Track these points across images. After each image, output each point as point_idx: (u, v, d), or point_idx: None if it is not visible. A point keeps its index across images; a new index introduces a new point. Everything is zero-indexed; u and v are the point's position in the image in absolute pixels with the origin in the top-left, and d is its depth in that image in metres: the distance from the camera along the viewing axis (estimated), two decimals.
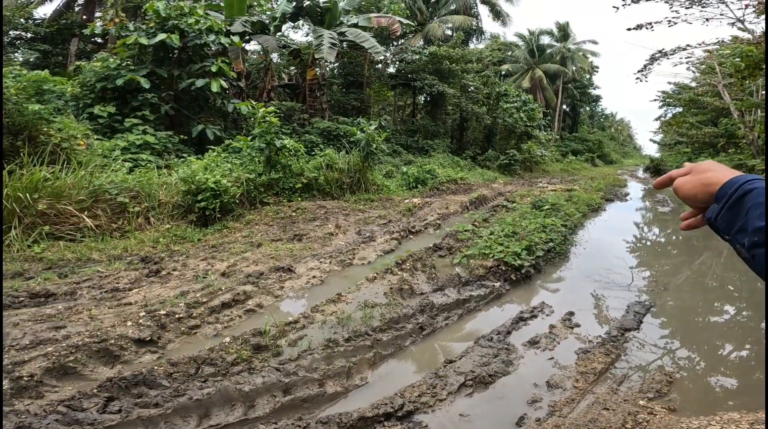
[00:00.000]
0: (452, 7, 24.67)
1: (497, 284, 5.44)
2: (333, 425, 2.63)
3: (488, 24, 79.84)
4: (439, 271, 5.75)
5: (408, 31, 21.08)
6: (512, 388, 3.30)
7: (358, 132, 11.44)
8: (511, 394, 3.22)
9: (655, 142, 37.23)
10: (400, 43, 22.49)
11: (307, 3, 15.85)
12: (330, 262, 5.83)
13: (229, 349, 3.33)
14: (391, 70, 22.52)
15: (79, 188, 6.69)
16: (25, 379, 2.90)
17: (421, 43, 22.76)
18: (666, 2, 12.36)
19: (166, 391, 2.85)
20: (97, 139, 8.87)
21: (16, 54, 19.43)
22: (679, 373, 3.72)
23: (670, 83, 23.32)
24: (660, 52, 15.52)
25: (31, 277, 4.87)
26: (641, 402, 3.16)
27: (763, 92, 15.16)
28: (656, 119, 33.40)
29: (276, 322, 3.85)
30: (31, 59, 18.32)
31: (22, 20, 19.08)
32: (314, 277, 5.31)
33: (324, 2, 16.10)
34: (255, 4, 16.87)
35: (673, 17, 12.66)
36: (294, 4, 15.89)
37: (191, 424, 2.65)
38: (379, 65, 22.11)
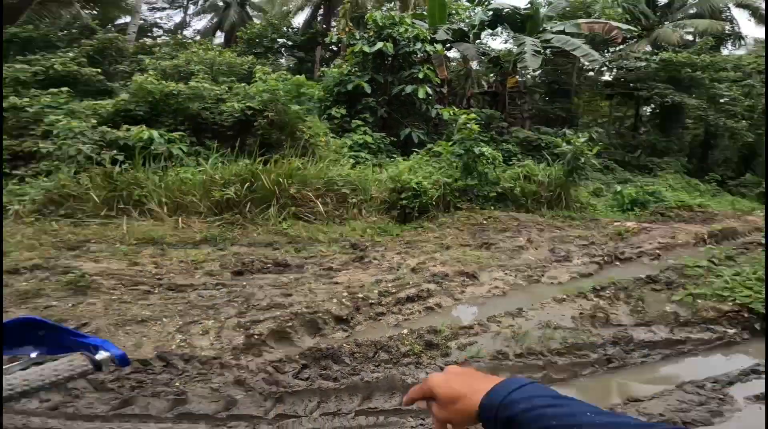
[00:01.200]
0: (691, 11, 20.64)
1: (731, 331, 4.32)
2: None
3: (749, 28, 61.86)
4: (649, 305, 4.90)
5: (628, 36, 18.56)
6: None
7: (564, 144, 10.63)
8: None
9: None
10: (617, 49, 19.92)
11: (506, 10, 15.66)
12: (516, 276, 5.66)
13: (405, 340, 3.61)
14: (606, 77, 20.15)
15: (318, 178, 8.18)
16: (255, 337, 3.37)
17: (648, 48, 19.64)
18: None
19: (346, 368, 3.17)
20: (332, 137, 10.77)
21: (281, 60, 22.92)
22: None
23: None
24: None
25: (277, 249, 6.27)
26: None
27: None
28: None
29: (451, 324, 4.00)
30: (291, 65, 22.19)
31: (284, 28, 23.30)
32: (496, 287, 5.26)
33: (525, 9, 15.65)
34: (454, 12, 17.40)
35: None
36: (492, 11, 15.90)
37: (354, 403, 2.86)
38: (591, 73, 20.07)
